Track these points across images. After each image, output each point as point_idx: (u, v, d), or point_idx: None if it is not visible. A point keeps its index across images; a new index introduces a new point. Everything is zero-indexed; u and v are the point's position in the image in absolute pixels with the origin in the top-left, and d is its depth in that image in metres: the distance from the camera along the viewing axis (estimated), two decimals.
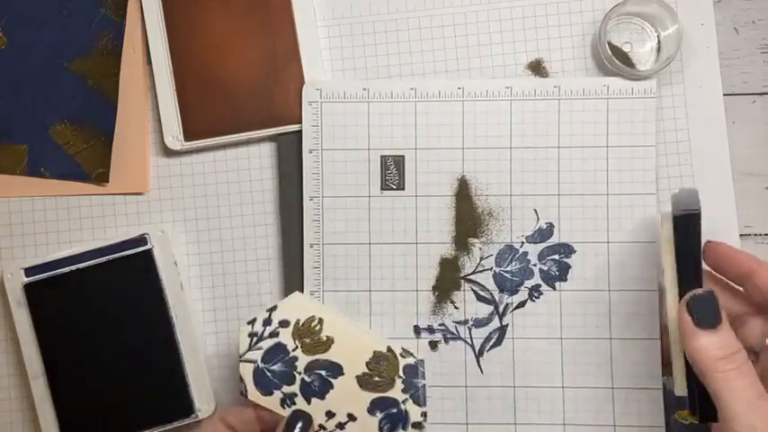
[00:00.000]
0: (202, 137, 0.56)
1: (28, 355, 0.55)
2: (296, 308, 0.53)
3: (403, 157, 0.55)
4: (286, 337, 0.53)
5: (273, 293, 0.57)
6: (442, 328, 0.55)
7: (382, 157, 0.55)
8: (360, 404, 0.53)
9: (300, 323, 0.53)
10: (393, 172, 0.55)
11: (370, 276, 0.55)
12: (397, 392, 0.53)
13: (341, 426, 0.53)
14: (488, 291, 0.55)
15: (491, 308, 0.54)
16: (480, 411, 0.54)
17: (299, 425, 0.50)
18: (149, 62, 0.57)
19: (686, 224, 0.45)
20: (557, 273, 0.54)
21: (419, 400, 0.53)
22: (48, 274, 0.56)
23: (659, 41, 0.56)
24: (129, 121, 0.57)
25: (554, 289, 0.54)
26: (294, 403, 0.52)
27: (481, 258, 0.55)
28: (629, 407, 0.53)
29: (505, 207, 0.55)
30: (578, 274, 0.54)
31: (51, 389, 0.55)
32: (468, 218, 0.55)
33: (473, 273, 0.55)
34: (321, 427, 0.52)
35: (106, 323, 0.55)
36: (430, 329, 0.55)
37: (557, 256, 0.54)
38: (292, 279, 0.56)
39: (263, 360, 0.53)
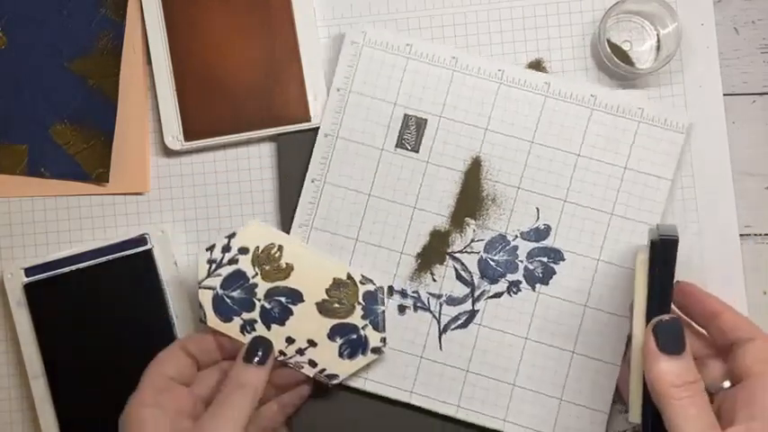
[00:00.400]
0: (202, 137, 0.56)
1: (28, 355, 0.55)
2: (255, 235, 0.53)
3: (426, 120, 0.55)
4: (245, 264, 0.53)
5: None
6: (415, 295, 0.55)
7: (406, 115, 0.55)
8: (320, 330, 0.53)
9: (260, 250, 0.53)
10: (412, 132, 0.55)
11: (360, 226, 0.55)
12: (356, 319, 0.53)
13: (301, 351, 0.52)
14: (470, 273, 0.54)
15: (467, 290, 0.54)
16: (428, 384, 0.54)
17: (260, 351, 0.49)
18: (149, 62, 0.57)
19: (664, 250, 0.45)
20: (540, 275, 0.54)
21: (378, 325, 0.53)
22: (48, 274, 0.56)
23: (659, 40, 0.56)
24: (129, 121, 0.57)
25: (533, 290, 0.54)
26: (254, 330, 0.52)
27: (472, 240, 0.55)
28: (570, 422, 0.53)
29: (510, 198, 0.55)
30: (561, 282, 0.54)
31: (51, 389, 0.55)
32: (472, 197, 0.55)
33: (460, 252, 0.55)
34: (281, 353, 0.52)
35: (106, 323, 0.55)
36: (403, 293, 0.55)
37: (545, 259, 0.54)
38: None
39: (221, 287, 0.53)
